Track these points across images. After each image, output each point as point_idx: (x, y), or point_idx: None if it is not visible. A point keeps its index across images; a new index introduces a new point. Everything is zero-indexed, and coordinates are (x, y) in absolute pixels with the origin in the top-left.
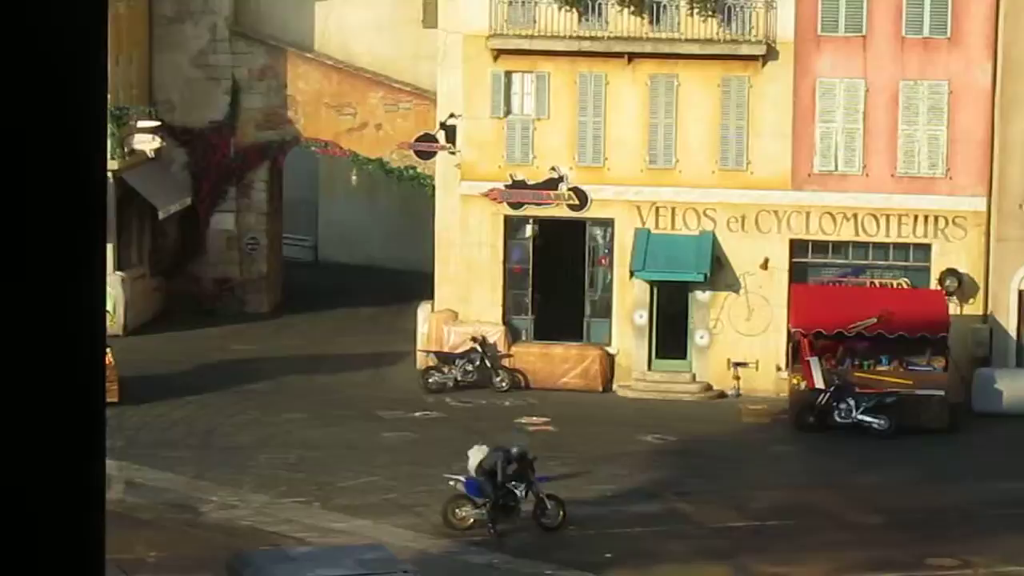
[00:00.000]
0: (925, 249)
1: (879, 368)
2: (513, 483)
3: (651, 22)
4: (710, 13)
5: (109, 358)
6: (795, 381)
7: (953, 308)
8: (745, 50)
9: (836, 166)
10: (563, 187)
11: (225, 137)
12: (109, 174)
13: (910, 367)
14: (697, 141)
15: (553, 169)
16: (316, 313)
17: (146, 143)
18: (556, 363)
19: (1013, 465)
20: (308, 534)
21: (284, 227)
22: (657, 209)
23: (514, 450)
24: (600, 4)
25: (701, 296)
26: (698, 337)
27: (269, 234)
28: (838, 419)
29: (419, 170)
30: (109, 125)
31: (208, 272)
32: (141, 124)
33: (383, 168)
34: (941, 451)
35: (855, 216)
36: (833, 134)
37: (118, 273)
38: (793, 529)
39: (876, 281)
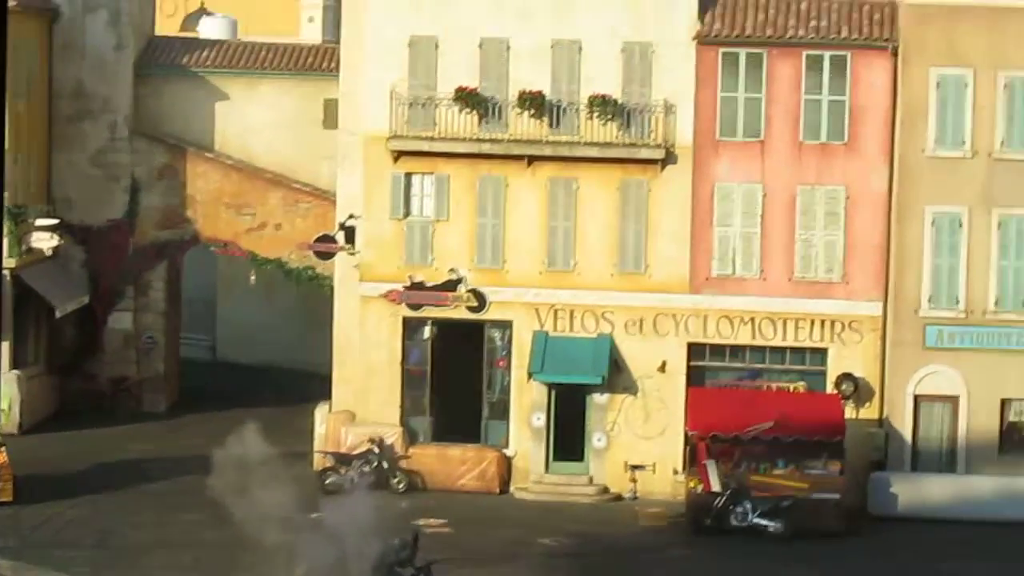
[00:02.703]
0: (822, 353)
1: (775, 471)
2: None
3: (551, 125)
4: (610, 117)
5: (4, 457)
6: (692, 484)
7: (849, 412)
8: (644, 154)
9: (734, 270)
10: (462, 289)
11: (124, 236)
12: (6, 272)
13: (806, 471)
14: (596, 244)
15: (452, 271)
16: (213, 413)
17: (44, 241)
18: (453, 465)
19: (908, 569)
20: None
21: (182, 326)
22: (555, 311)
23: (397, 541)
24: (500, 107)
25: (599, 399)
26: (595, 440)
27: (167, 333)
28: (735, 522)
29: (318, 271)
30: (6, 223)
31: (105, 371)
32: (39, 222)
33: (282, 268)
34: (837, 555)
35: (752, 320)
36: (731, 238)
37: (14, 371)
38: None
39: (773, 385)
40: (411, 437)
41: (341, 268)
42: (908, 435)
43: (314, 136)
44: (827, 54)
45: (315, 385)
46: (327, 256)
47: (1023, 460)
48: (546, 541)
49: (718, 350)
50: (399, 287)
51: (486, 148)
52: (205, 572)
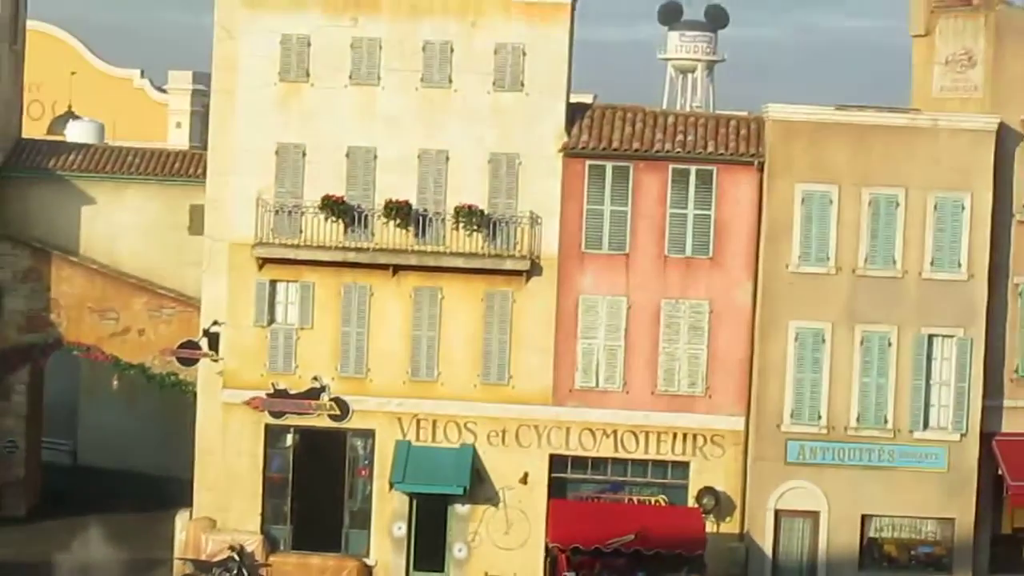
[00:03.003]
0: (683, 467)
1: None
2: None
3: (416, 235)
4: (475, 228)
5: None
6: None
7: (710, 526)
8: (509, 265)
9: (597, 382)
10: (325, 397)
11: None
12: None
13: None
14: (460, 354)
15: (315, 379)
16: (74, 518)
17: None
18: (313, 573)
19: None
20: None
21: (44, 430)
22: (418, 421)
23: None
24: (366, 216)
25: (460, 509)
26: (456, 550)
27: (28, 437)
28: None
29: (181, 376)
30: None
31: None
32: None
33: (145, 374)
34: None
35: (615, 432)
36: (595, 350)
37: None
38: None
39: (634, 498)
40: (271, 545)
41: (204, 374)
42: (769, 550)
43: (180, 242)
44: (693, 168)
45: (176, 491)
46: (190, 362)
47: None
48: None
49: (580, 462)
50: (262, 394)
51: (351, 257)
52: None
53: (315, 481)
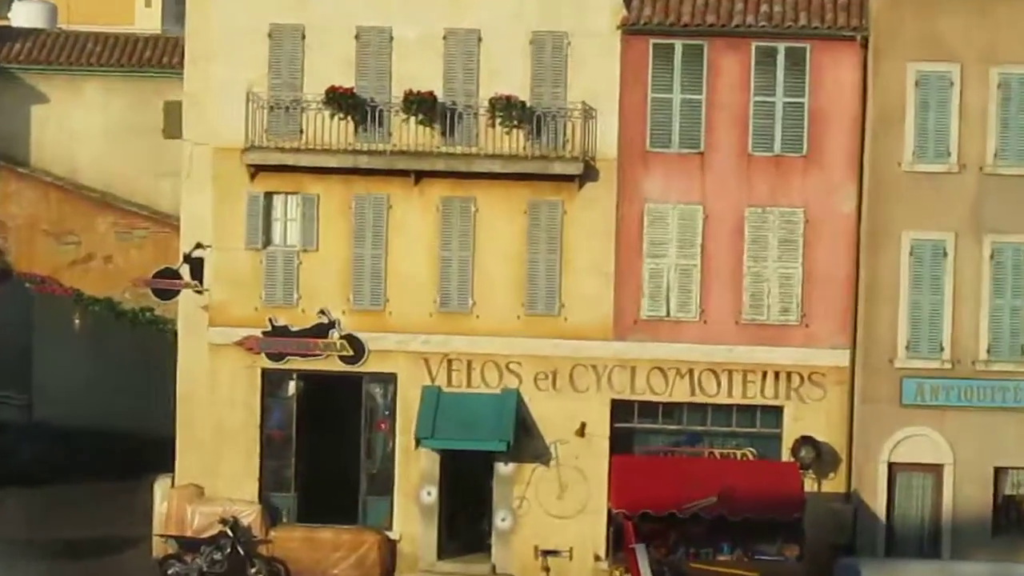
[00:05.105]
0: (776, 413)
1: (720, 558)
2: None
3: (443, 134)
4: (515, 123)
5: None
6: (617, 574)
7: (809, 484)
8: (558, 168)
9: (668, 311)
10: (334, 335)
11: None
12: None
13: (757, 557)
14: (499, 279)
15: (322, 313)
16: (29, 488)
17: None
18: (325, 550)
19: None
20: None
21: None
22: (449, 362)
23: None
24: (381, 112)
25: (503, 469)
26: (499, 519)
27: None
28: None
29: (158, 312)
30: None
31: None
32: None
33: (113, 310)
34: None
35: (690, 372)
36: (665, 272)
37: None
38: None
39: (716, 451)
40: (272, 517)
41: (186, 309)
42: (882, 512)
43: (152, 147)
44: (782, 46)
45: (155, 453)
46: (169, 295)
47: (1022, 541)
48: None
49: (649, 409)
50: (257, 333)
51: (364, 162)
52: None
53: (324, 438)
